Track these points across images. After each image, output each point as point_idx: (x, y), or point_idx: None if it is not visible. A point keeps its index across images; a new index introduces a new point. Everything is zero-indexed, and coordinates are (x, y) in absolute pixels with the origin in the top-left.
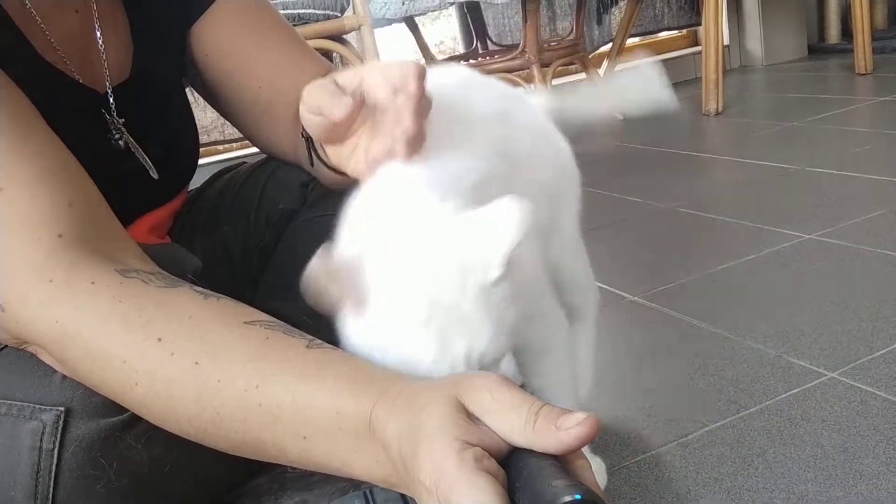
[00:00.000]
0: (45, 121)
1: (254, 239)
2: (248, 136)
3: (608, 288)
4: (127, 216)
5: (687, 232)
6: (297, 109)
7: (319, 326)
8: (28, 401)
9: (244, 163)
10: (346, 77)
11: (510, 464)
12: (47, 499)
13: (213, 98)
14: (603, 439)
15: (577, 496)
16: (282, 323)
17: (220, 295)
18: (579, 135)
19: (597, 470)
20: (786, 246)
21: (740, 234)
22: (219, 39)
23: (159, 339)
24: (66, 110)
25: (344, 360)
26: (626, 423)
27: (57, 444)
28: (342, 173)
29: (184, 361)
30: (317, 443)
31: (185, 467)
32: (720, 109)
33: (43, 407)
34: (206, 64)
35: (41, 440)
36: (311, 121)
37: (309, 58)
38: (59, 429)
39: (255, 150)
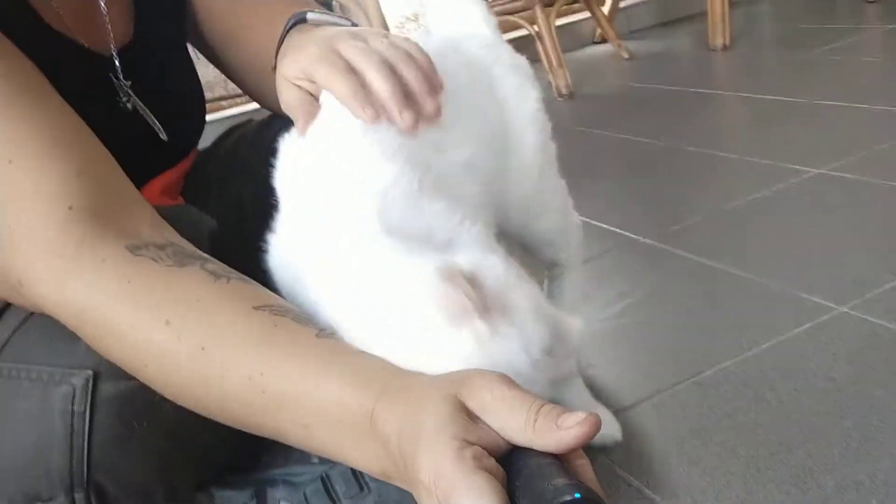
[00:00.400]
0: (55, 89)
1: (266, 197)
2: (251, 94)
3: (618, 230)
4: (138, 180)
5: (696, 171)
6: None
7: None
8: (57, 366)
9: (251, 120)
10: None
11: (510, 463)
12: (82, 459)
13: (216, 58)
14: (618, 379)
15: (577, 495)
16: (292, 308)
17: (230, 275)
18: (587, 77)
19: (608, 422)
20: (795, 182)
21: (750, 171)
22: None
23: (167, 322)
24: (73, 76)
25: (350, 353)
26: (640, 363)
27: (88, 406)
28: None
29: (190, 345)
30: (317, 432)
31: (213, 423)
32: (727, 44)
33: (72, 371)
34: (206, 24)
35: (73, 403)
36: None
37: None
38: (89, 391)
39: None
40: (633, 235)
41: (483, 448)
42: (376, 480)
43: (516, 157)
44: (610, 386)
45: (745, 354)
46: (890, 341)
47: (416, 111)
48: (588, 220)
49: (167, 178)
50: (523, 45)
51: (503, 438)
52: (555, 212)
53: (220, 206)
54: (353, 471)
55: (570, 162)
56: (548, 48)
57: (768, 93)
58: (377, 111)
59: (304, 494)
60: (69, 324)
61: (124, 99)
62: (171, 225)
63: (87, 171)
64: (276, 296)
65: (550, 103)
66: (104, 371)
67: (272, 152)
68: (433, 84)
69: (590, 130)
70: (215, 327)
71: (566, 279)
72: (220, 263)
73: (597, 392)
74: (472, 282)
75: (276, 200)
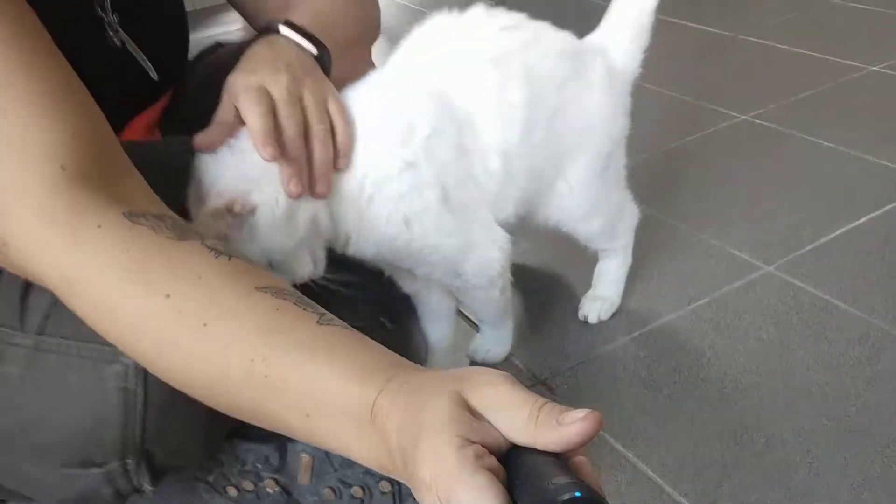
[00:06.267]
0: (52, 39)
1: None
2: (252, 24)
3: None
4: (124, 116)
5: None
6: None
7: None
8: (107, 344)
9: (218, 44)
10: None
11: (510, 461)
12: (135, 430)
13: None
14: (577, 333)
15: (578, 494)
16: (293, 292)
17: (230, 253)
18: None
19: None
20: (723, 126)
21: (679, 110)
22: None
23: (167, 296)
24: (60, 9)
25: (353, 342)
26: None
27: (140, 385)
28: None
29: (191, 322)
30: (318, 421)
31: None
32: None
33: (120, 351)
34: None
35: (125, 381)
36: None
37: None
38: (141, 369)
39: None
40: None
41: (484, 446)
42: None
43: (578, 158)
44: (570, 340)
45: (685, 308)
46: (808, 304)
47: (303, 185)
48: None
49: (151, 113)
50: None
51: (504, 436)
52: (604, 216)
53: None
54: None
55: None
56: None
57: (693, 20)
58: (275, 154)
59: (326, 452)
60: (57, 292)
61: (111, 34)
62: (154, 159)
63: (81, 132)
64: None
65: None
66: None
67: None
68: (335, 166)
69: None
70: (217, 306)
71: (612, 261)
72: (217, 241)
73: (558, 346)
74: None
75: None
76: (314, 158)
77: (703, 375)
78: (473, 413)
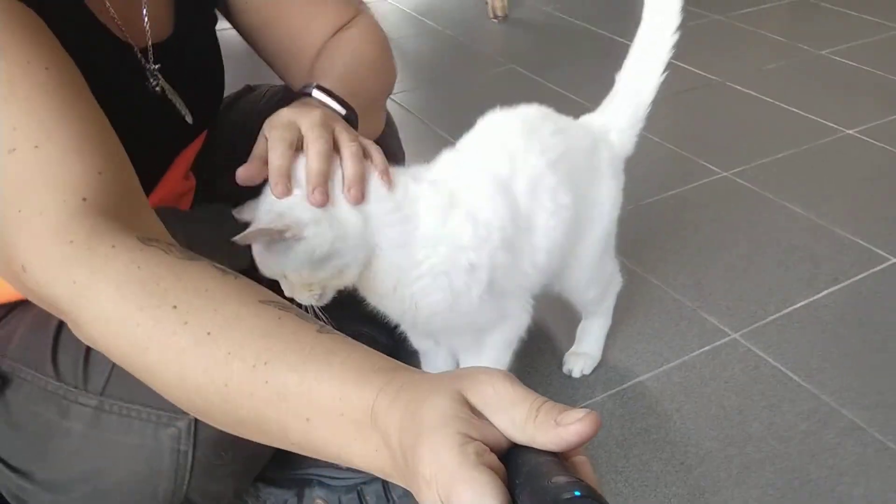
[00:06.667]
0: (89, 88)
1: None
2: (279, 73)
3: None
4: (161, 158)
5: None
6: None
7: None
8: (164, 409)
9: (248, 87)
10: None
11: (511, 459)
12: (183, 484)
13: (252, 43)
14: (560, 386)
15: (577, 493)
16: (295, 307)
17: (238, 274)
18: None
19: None
20: (704, 182)
21: (665, 161)
22: None
23: (174, 307)
24: (107, 59)
25: (352, 348)
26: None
27: (191, 446)
28: None
29: (196, 330)
30: (318, 426)
31: None
32: None
33: (176, 415)
34: (242, 14)
35: (179, 443)
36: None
37: (334, 4)
38: (192, 433)
39: None
40: None
41: (485, 444)
42: (403, 497)
43: (588, 237)
44: (553, 394)
45: (656, 371)
46: (767, 375)
47: (326, 194)
48: None
49: (188, 155)
50: None
51: (504, 435)
52: (600, 285)
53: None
54: (385, 485)
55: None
56: None
57: (690, 63)
58: (285, 192)
59: (340, 500)
60: (70, 311)
61: (153, 82)
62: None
63: (107, 170)
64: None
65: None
66: None
67: None
68: (382, 177)
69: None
70: (221, 315)
71: (595, 321)
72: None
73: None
74: None
75: None
76: (346, 170)
77: (669, 439)
78: (474, 411)
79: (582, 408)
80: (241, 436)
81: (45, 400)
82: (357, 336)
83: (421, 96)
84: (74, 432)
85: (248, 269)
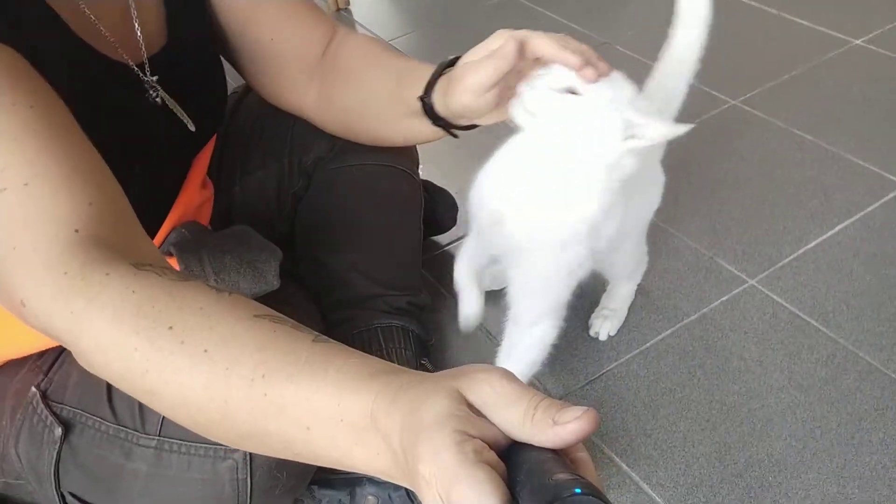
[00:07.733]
0: (76, 122)
1: (287, 183)
2: (251, 83)
3: None
4: (179, 169)
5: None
6: (303, 62)
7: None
8: (219, 444)
9: (249, 88)
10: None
11: (510, 457)
12: None
13: (223, 45)
14: (580, 352)
15: (578, 490)
16: (290, 319)
17: (231, 291)
18: None
19: None
20: (714, 113)
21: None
22: None
23: (170, 328)
24: (104, 75)
25: (348, 354)
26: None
27: (248, 475)
28: (453, 126)
29: (193, 349)
30: (319, 433)
31: None
32: None
33: (231, 449)
34: (220, 15)
35: (237, 473)
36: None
37: (313, 13)
38: (248, 462)
39: None
40: None
41: (484, 441)
42: None
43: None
44: (580, 357)
45: (677, 325)
46: (785, 322)
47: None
48: None
49: (202, 164)
50: None
51: (503, 433)
52: (637, 264)
53: (244, 188)
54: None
55: None
56: None
57: None
58: (582, 60)
59: (390, 496)
60: (69, 341)
61: (153, 95)
62: (232, 244)
63: (97, 201)
64: (309, 262)
65: None
66: None
67: (296, 142)
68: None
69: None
70: (217, 332)
71: (623, 287)
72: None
73: (569, 363)
74: None
75: (294, 188)
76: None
77: (694, 396)
78: (472, 410)
79: (580, 406)
80: (245, 450)
81: (109, 443)
82: (387, 329)
83: (421, 38)
84: (140, 472)
85: (275, 293)
